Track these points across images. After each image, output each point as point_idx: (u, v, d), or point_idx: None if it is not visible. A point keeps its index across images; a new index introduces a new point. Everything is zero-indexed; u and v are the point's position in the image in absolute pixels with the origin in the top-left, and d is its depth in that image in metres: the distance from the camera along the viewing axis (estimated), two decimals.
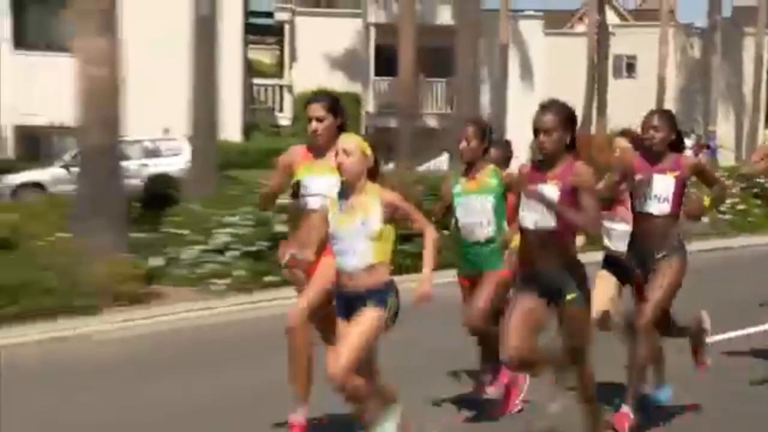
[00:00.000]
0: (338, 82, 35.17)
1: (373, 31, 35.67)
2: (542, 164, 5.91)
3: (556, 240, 5.81)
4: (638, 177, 6.62)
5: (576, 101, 36.88)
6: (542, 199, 5.73)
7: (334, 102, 6.54)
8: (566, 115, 5.87)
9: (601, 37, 40.73)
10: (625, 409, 6.46)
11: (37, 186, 24.38)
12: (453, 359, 8.31)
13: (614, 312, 7.30)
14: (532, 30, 37.42)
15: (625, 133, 7.52)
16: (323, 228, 5.76)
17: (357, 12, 37.10)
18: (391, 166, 26.37)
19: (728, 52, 44.37)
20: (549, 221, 5.79)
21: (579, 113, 28.79)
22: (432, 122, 34.65)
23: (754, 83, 43.38)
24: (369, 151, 5.73)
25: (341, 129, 6.41)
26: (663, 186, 6.56)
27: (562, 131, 5.81)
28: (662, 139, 6.62)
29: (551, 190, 5.78)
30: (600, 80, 40.19)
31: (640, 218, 6.65)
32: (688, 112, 44.21)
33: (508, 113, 35.23)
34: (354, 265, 5.62)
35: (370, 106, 35.75)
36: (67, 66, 27.31)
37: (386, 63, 34.16)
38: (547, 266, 5.82)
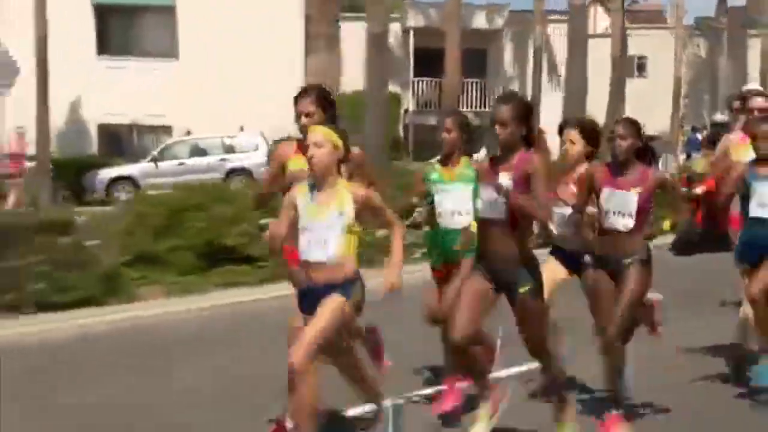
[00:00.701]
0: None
1: (412, 34, 38.12)
2: (499, 157, 6.00)
3: (509, 231, 5.86)
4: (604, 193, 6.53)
5: (602, 100, 39.30)
6: (498, 188, 5.81)
7: (322, 96, 6.37)
8: (522, 109, 5.92)
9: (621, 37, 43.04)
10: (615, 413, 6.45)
11: (128, 179, 26.77)
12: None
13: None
14: (558, 32, 39.88)
15: (578, 123, 7.38)
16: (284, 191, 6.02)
17: (395, 17, 39.58)
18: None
19: (733, 51, 46.72)
20: (499, 211, 5.86)
21: (604, 112, 30.71)
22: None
23: (760, 82, 45.73)
24: (340, 143, 5.63)
25: (332, 122, 6.16)
26: (624, 202, 6.43)
27: (518, 124, 5.86)
28: (628, 147, 6.48)
29: (504, 180, 5.83)
30: (620, 80, 42.55)
31: (604, 232, 6.54)
32: (696, 108, 46.68)
33: (541, 112, 37.61)
34: (324, 257, 5.57)
35: (410, 104, 38.18)
36: (144, 69, 29.85)
37: (425, 64, 36.66)
38: (500, 257, 5.89)
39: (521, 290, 5.86)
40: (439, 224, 7.07)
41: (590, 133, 7.18)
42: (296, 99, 6.38)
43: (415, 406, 7.08)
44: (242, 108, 28.38)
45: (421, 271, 8.02)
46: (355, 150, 6.25)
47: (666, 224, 6.64)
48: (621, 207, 6.42)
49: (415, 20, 38.43)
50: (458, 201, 6.96)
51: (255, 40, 29.22)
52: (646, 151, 6.62)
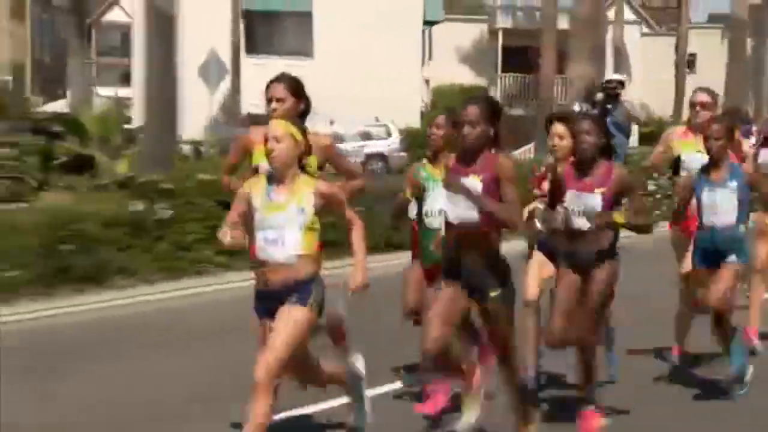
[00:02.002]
0: (467, 77, 42.05)
1: (500, 34, 42.56)
2: (465, 157, 5.82)
3: (479, 235, 5.67)
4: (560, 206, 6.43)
5: (667, 95, 43.20)
6: (466, 192, 5.64)
7: (296, 84, 6.16)
8: (491, 110, 5.77)
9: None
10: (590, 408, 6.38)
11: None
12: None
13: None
14: (631, 32, 44.14)
15: (564, 117, 7.24)
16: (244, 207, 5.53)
17: (482, 18, 44.15)
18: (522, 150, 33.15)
19: None
20: (472, 215, 5.66)
21: (670, 106, 35.23)
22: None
23: None
24: (300, 137, 5.46)
25: (303, 115, 6.07)
26: (589, 204, 6.29)
27: (486, 125, 5.71)
28: (593, 145, 6.32)
29: (474, 183, 5.67)
30: (680, 77, 46.61)
31: (570, 232, 6.41)
32: (739, 104, 50.40)
33: None
34: (282, 255, 5.36)
35: (496, 97, 42.51)
36: (283, 66, 34.10)
37: (511, 61, 41.05)
38: (470, 262, 5.70)
39: (492, 294, 5.74)
40: (424, 223, 6.82)
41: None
42: (268, 85, 6.20)
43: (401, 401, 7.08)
44: (369, 100, 32.83)
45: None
46: (326, 140, 6.35)
47: (618, 217, 6.34)
48: (585, 208, 6.30)
49: (503, 22, 42.88)
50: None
51: (381, 42, 33.76)
52: (610, 148, 6.50)
